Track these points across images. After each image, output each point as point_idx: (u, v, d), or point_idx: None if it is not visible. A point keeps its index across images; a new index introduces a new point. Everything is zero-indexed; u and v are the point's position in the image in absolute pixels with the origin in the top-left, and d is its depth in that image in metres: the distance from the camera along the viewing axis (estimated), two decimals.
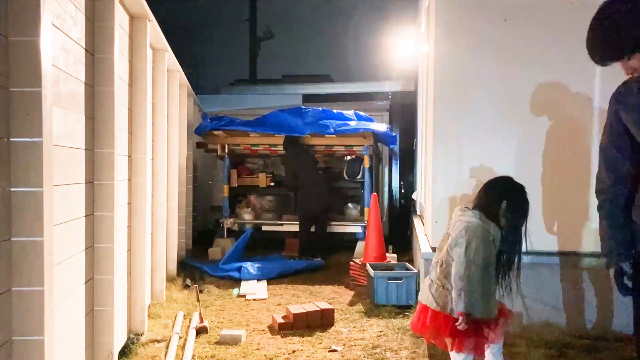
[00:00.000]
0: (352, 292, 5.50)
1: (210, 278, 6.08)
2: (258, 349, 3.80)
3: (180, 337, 3.92)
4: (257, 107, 9.42)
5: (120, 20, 3.51)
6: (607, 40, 2.16)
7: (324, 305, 4.49)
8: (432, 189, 4.35)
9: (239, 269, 6.08)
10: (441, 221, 4.24)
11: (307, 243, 7.25)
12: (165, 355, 3.56)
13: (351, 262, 6.14)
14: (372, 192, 6.90)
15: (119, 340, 3.47)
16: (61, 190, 2.56)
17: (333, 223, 7.73)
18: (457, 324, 2.65)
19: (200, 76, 19.07)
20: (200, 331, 4.08)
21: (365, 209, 7.36)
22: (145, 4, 3.89)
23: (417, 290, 4.77)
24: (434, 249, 4.25)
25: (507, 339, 3.53)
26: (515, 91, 4.13)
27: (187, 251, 7.17)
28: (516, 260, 2.79)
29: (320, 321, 4.30)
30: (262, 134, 7.54)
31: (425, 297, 2.83)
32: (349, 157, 8.33)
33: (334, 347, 3.82)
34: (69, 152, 2.69)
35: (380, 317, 4.52)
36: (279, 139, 7.57)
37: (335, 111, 7.58)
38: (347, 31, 21.35)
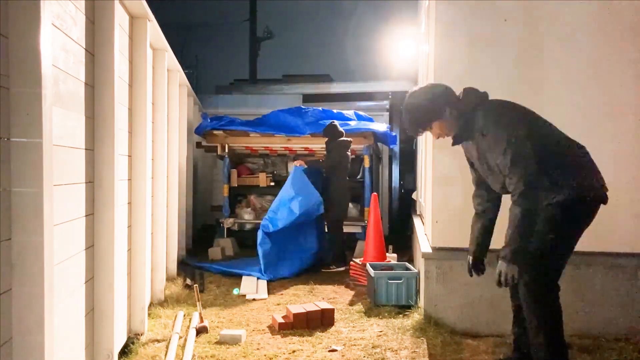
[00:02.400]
0: (352, 292, 5.50)
1: (210, 278, 6.08)
2: (258, 349, 3.80)
3: (180, 337, 3.92)
4: (257, 107, 9.42)
5: (120, 20, 3.51)
6: (412, 122, 3.03)
7: (324, 305, 4.49)
8: (432, 189, 4.35)
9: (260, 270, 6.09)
10: (441, 221, 4.24)
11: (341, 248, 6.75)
12: (165, 355, 3.56)
13: (351, 262, 6.15)
14: (372, 192, 6.90)
15: (119, 340, 3.47)
16: (61, 190, 2.56)
17: None
18: None
19: (200, 76, 19.05)
20: (200, 331, 4.08)
21: (365, 209, 7.36)
22: (145, 4, 3.89)
23: (417, 290, 4.78)
24: (434, 249, 4.26)
25: (507, 338, 3.53)
26: (515, 91, 4.12)
27: (187, 251, 7.17)
28: None
29: (320, 321, 4.30)
30: (262, 134, 7.55)
31: None
32: None
33: (334, 347, 3.82)
34: (69, 152, 2.69)
35: (380, 317, 4.52)
36: (279, 139, 7.57)
37: (335, 111, 7.58)
38: (347, 31, 21.34)
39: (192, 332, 3.97)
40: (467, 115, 2.93)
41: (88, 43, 2.98)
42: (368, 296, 5.16)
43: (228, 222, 7.70)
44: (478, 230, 3.22)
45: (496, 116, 2.87)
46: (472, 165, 3.19)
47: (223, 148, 7.85)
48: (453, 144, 3.07)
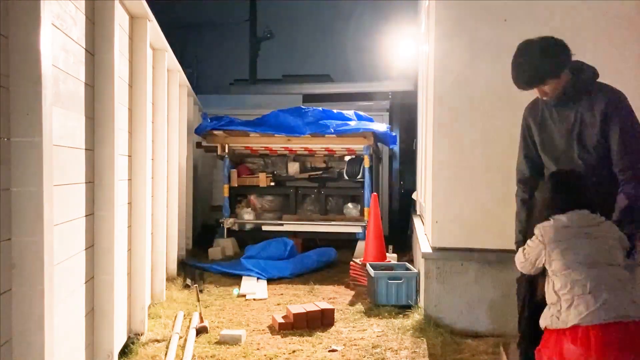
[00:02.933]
0: (352, 292, 5.50)
1: (210, 278, 6.08)
2: (258, 349, 3.80)
3: (180, 337, 3.92)
4: (257, 107, 9.41)
5: (120, 20, 3.51)
6: (528, 73, 2.74)
7: (324, 305, 4.49)
8: (432, 188, 4.35)
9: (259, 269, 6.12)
10: (441, 221, 4.24)
11: None
12: (165, 355, 3.57)
13: (351, 262, 6.14)
14: (372, 192, 6.90)
15: (119, 340, 3.47)
16: (61, 190, 2.56)
17: (333, 223, 7.74)
18: None
19: (200, 76, 19.05)
20: (200, 331, 4.08)
21: (365, 209, 7.36)
22: (145, 4, 3.89)
23: (417, 290, 4.78)
24: (434, 249, 4.26)
25: (508, 338, 3.53)
26: (515, 91, 4.11)
27: (187, 251, 7.17)
28: None
29: (320, 321, 4.30)
30: (262, 134, 7.54)
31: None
32: (348, 157, 8.34)
33: (334, 347, 3.82)
34: (69, 152, 2.69)
35: (380, 317, 4.52)
36: (279, 139, 7.57)
37: (335, 111, 7.58)
38: (347, 31, 21.34)
39: (192, 332, 3.97)
40: (582, 83, 2.76)
41: (88, 43, 2.98)
42: (368, 296, 5.16)
43: (228, 222, 7.69)
44: (525, 220, 2.99)
45: (624, 101, 2.76)
46: (533, 143, 3.00)
47: (223, 148, 7.84)
48: (555, 105, 2.83)
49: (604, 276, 2.36)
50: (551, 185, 2.65)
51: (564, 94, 2.77)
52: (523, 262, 2.62)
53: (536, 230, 2.57)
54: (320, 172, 8.40)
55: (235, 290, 5.46)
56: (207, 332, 4.10)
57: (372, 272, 5.01)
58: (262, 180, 8.08)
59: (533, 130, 2.99)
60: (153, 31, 4.42)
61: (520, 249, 2.67)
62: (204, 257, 7.20)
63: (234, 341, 3.88)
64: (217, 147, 7.88)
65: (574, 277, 2.38)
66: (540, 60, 2.70)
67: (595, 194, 2.63)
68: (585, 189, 2.61)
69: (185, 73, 6.59)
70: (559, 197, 2.59)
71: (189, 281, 5.66)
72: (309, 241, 7.75)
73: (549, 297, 2.47)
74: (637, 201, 2.66)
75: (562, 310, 2.38)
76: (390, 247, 6.65)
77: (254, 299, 5.20)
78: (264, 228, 7.80)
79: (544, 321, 2.48)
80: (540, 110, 2.95)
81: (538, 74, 2.72)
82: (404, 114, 9.74)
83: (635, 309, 2.31)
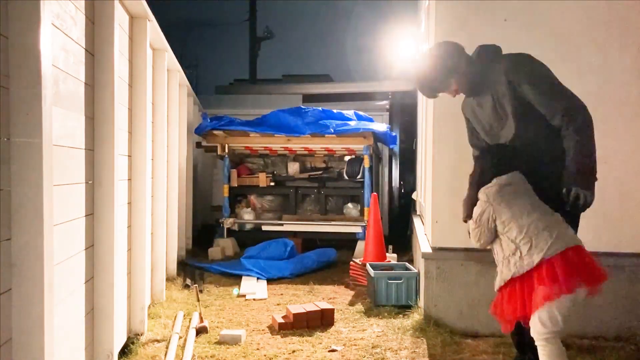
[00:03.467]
0: (352, 292, 5.50)
1: (210, 278, 6.08)
2: (258, 349, 3.80)
3: (180, 337, 3.92)
4: (257, 107, 9.42)
5: (120, 20, 3.51)
6: (425, 92, 3.21)
7: (324, 305, 4.49)
8: (432, 189, 4.35)
9: (260, 269, 6.12)
10: (441, 221, 4.24)
11: None
12: (165, 355, 3.57)
13: (351, 262, 6.15)
14: (372, 192, 6.90)
15: (119, 340, 3.47)
16: (61, 190, 2.56)
17: (333, 223, 7.74)
18: None
19: (200, 76, 19.08)
20: (200, 331, 4.08)
21: (365, 209, 7.36)
22: (145, 4, 3.89)
23: (417, 290, 4.78)
24: (434, 249, 4.26)
25: (507, 338, 3.53)
26: None
27: (187, 251, 7.18)
28: None
29: (320, 321, 4.30)
30: (262, 134, 7.55)
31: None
32: (348, 157, 8.34)
33: (334, 347, 3.82)
34: (69, 152, 2.69)
35: (380, 317, 4.52)
36: (279, 139, 7.57)
37: (335, 111, 7.58)
38: (347, 31, 21.35)
39: (192, 332, 3.98)
40: (483, 68, 3.02)
41: (88, 43, 2.98)
42: (368, 296, 5.16)
43: (228, 222, 7.69)
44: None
45: (524, 59, 2.98)
46: (472, 126, 3.32)
47: (223, 148, 7.85)
48: (475, 97, 3.12)
49: (547, 217, 2.71)
50: (490, 156, 3.01)
51: (472, 86, 3.06)
52: (475, 229, 2.88)
53: (480, 195, 2.88)
54: (320, 172, 8.40)
55: (235, 290, 5.46)
56: (207, 332, 4.10)
57: (372, 272, 5.01)
58: (262, 180, 8.09)
59: (472, 121, 3.29)
60: (153, 31, 4.42)
61: (470, 221, 2.95)
62: (204, 257, 7.20)
63: (233, 341, 3.89)
64: (217, 147, 7.88)
65: (525, 222, 2.69)
66: (428, 79, 3.09)
67: (527, 162, 2.90)
68: (519, 157, 2.91)
69: (185, 73, 6.59)
70: (498, 166, 2.91)
71: (189, 281, 5.66)
72: (309, 241, 7.75)
73: (507, 249, 2.74)
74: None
75: (523, 254, 2.67)
76: (390, 247, 6.65)
77: (254, 299, 5.20)
78: (264, 228, 7.80)
79: (508, 272, 2.72)
80: (470, 106, 3.24)
81: (431, 91, 3.16)
82: (404, 114, 9.74)
83: (574, 240, 2.70)
